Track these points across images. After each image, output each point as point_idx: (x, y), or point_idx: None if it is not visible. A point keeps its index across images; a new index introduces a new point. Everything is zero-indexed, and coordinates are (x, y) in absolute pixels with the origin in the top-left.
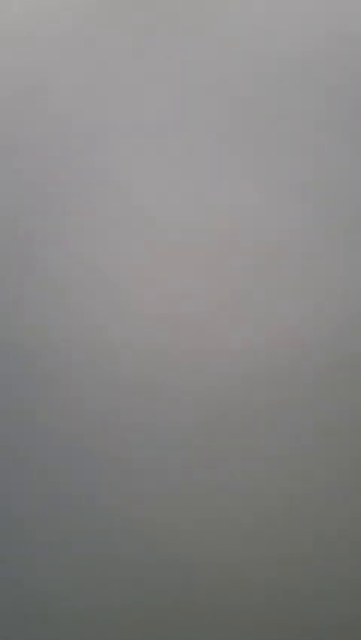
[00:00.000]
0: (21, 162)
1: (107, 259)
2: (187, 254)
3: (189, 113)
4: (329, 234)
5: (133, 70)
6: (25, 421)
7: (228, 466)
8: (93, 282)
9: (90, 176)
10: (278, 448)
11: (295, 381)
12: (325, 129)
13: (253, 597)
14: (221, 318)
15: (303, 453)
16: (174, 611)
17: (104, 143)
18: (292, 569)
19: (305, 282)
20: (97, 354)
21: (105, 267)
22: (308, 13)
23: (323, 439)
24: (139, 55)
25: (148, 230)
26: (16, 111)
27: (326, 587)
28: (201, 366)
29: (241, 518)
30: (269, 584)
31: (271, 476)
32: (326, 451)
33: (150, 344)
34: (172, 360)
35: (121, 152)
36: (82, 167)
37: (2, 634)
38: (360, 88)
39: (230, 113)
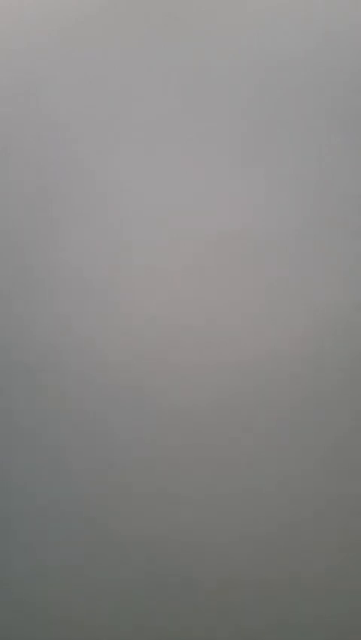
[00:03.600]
0: (20, 163)
1: (106, 261)
2: (187, 255)
3: (188, 114)
4: (330, 236)
5: (133, 71)
6: (19, 427)
7: (226, 474)
8: (91, 286)
9: (91, 177)
10: (278, 450)
11: (296, 384)
12: (325, 129)
13: (252, 602)
14: (221, 321)
15: (302, 456)
16: (174, 614)
17: (104, 143)
18: (292, 575)
19: (306, 284)
20: (93, 360)
21: (104, 270)
22: (309, 12)
23: (324, 444)
24: (139, 55)
25: (147, 231)
26: (15, 112)
27: (326, 590)
28: (200, 371)
29: (240, 528)
30: (269, 589)
31: (270, 485)
32: (327, 459)
33: (149, 348)
34: (170, 365)
35: (120, 153)
36: (82, 167)
37: (2, 634)
38: (360, 87)
39: (230, 113)
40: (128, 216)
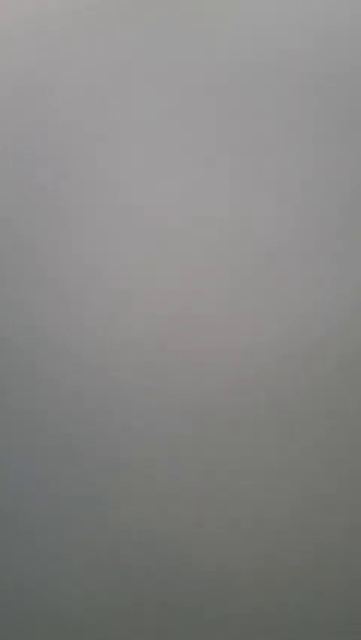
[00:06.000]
0: (22, 162)
1: (107, 259)
2: (187, 254)
3: (189, 114)
4: (329, 234)
5: (134, 71)
6: (22, 420)
7: (228, 466)
8: (93, 282)
9: (91, 176)
10: (278, 448)
11: (295, 381)
12: (325, 129)
13: (251, 603)
14: (221, 319)
15: (302, 453)
16: (172, 616)
17: (105, 143)
18: (290, 575)
19: (305, 282)
20: (96, 354)
21: (105, 267)
22: (309, 12)
23: (323, 439)
24: (140, 55)
25: (148, 230)
26: (16, 111)
27: (325, 593)
28: (200, 366)
29: (242, 519)
30: (268, 591)
31: (271, 477)
32: (323, 452)
33: (149, 344)
34: (172, 360)
35: (122, 152)
36: (83, 167)
37: (2, 634)
38: (359, 87)
39: (230, 113)
40: (130, 210)
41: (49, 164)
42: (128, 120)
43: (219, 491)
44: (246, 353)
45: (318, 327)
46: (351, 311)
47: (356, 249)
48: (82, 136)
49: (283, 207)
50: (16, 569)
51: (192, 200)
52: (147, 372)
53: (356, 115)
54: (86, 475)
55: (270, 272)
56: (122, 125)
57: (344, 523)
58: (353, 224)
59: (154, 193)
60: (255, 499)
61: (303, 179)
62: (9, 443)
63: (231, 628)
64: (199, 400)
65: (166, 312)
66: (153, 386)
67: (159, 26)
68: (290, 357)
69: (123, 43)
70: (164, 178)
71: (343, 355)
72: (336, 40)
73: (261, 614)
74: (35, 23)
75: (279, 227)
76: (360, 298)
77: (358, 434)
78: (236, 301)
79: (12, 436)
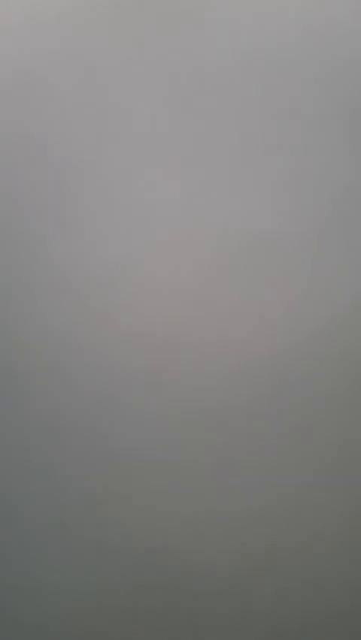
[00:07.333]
0: (21, 163)
1: (107, 260)
2: (187, 254)
3: (188, 113)
4: (329, 233)
5: (133, 70)
6: (20, 427)
7: (227, 477)
8: (93, 284)
9: (90, 177)
10: (277, 451)
11: (295, 384)
12: (324, 130)
13: (252, 601)
14: (220, 320)
15: (302, 456)
16: (172, 617)
17: (104, 143)
18: (291, 576)
19: (304, 284)
20: (95, 355)
21: (104, 269)
22: (308, 13)
23: (323, 440)
24: (140, 54)
25: (148, 233)
26: (16, 111)
27: (326, 591)
28: (201, 366)
29: (241, 519)
30: (268, 591)
31: (273, 479)
32: (325, 456)
33: (149, 345)
34: (172, 360)
35: (121, 152)
36: (82, 167)
37: (2, 635)
38: (358, 88)
39: (230, 113)
40: (129, 217)
41: (49, 165)
42: (128, 120)
43: (220, 494)
44: (246, 353)
45: (318, 327)
46: (351, 311)
47: (356, 248)
48: (82, 137)
49: (283, 207)
50: (15, 571)
51: (192, 201)
52: (148, 372)
53: (357, 115)
54: (85, 478)
55: (269, 274)
56: (123, 125)
57: (347, 526)
58: (353, 224)
59: (153, 193)
60: (257, 502)
61: (303, 179)
62: (7, 442)
63: (231, 628)
64: (200, 401)
65: (166, 313)
66: (153, 386)
67: (159, 24)
68: (290, 355)
69: (124, 42)
70: (163, 177)
71: (343, 355)
72: (336, 40)
73: (261, 615)
74: (35, 23)
75: (279, 230)
76: (360, 298)
77: (358, 439)
78: (236, 303)
79: (10, 434)
